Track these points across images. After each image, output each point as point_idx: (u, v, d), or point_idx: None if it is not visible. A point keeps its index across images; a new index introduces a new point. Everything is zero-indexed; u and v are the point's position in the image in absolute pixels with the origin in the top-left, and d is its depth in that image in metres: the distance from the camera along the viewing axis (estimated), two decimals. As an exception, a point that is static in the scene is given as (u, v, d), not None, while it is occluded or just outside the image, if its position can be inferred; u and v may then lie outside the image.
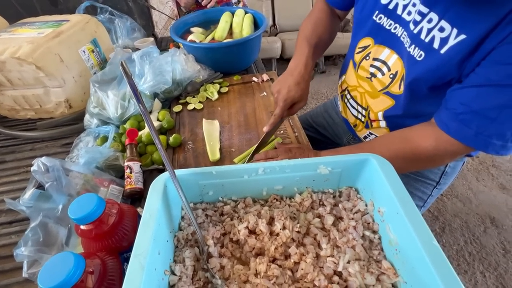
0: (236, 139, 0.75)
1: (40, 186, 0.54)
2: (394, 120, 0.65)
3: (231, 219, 0.45)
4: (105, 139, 0.71)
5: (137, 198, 0.62)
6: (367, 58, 0.66)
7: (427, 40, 0.50)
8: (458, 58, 0.47)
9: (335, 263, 0.38)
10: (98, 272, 0.36)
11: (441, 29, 0.48)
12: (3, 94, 0.84)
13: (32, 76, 0.78)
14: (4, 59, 0.74)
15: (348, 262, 0.38)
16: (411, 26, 0.53)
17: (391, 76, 0.61)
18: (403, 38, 0.56)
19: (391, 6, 0.57)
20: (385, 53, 0.61)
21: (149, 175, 0.67)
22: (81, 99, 0.88)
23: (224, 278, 0.39)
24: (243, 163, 0.66)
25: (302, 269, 0.37)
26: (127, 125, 0.75)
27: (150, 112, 0.84)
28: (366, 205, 0.44)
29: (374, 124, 0.69)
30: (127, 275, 0.31)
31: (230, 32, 1.07)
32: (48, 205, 0.52)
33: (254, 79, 0.96)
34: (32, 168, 0.53)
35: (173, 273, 0.38)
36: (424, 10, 0.50)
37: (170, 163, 0.38)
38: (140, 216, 0.37)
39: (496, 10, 0.42)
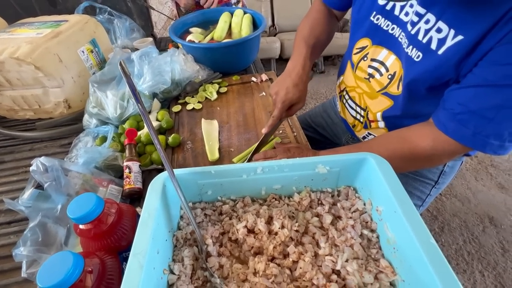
0: (235, 139, 0.75)
1: (39, 186, 0.54)
2: (393, 121, 0.65)
3: (230, 218, 0.45)
4: (104, 139, 0.71)
5: (136, 198, 0.62)
6: (365, 59, 0.66)
7: (424, 41, 0.51)
8: (455, 58, 0.47)
9: (333, 261, 0.38)
10: (97, 271, 0.36)
11: (439, 30, 0.48)
12: (2, 94, 0.83)
13: (31, 76, 0.78)
14: (3, 59, 0.74)
15: (347, 260, 0.38)
16: (409, 27, 0.53)
17: (389, 76, 0.61)
18: (401, 38, 0.56)
19: (388, 7, 0.58)
20: (383, 53, 0.61)
21: (148, 175, 0.67)
22: (80, 99, 0.88)
23: (223, 277, 0.39)
24: (242, 163, 0.66)
25: (300, 268, 0.38)
26: (126, 125, 0.75)
27: (149, 112, 0.84)
28: (364, 204, 0.44)
29: (373, 124, 0.70)
30: (126, 274, 0.31)
31: (229, 32, 1.07)
32: (47, 205, 0.52)
33: (253, 79, 0.96)
34: (31, 168, 0.53)
35: (172, 272, 0.38)
36: (422, 11, 0.51)
37: (169, 163, 0.38)
38: (139, 216, 0.37)
39: (493, 11, 0.42)
